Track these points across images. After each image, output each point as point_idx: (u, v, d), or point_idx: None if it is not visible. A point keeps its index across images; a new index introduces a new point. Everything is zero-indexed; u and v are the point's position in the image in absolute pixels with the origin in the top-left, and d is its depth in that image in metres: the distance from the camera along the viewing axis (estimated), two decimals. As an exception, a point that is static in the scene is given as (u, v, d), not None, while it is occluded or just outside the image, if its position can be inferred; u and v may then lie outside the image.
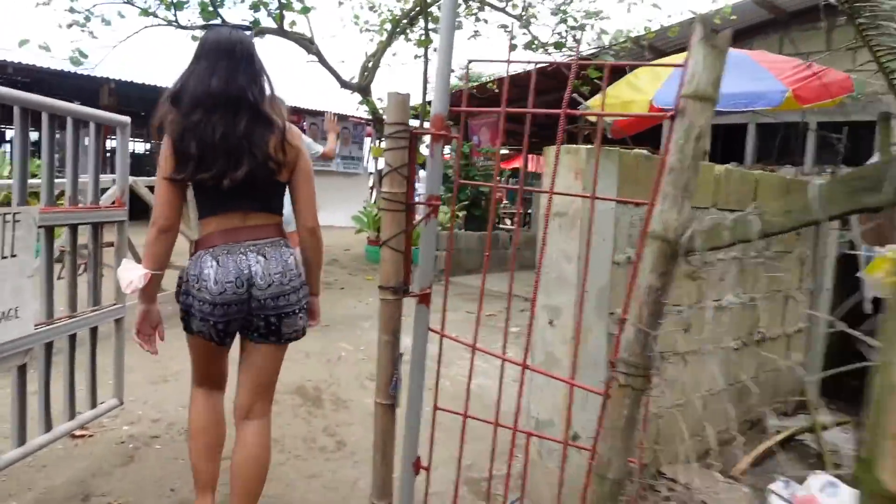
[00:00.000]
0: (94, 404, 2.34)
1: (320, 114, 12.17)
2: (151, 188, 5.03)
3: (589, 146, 2.15)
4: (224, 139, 1.63)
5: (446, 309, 1.77)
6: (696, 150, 1.20)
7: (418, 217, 1.63)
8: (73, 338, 2.20)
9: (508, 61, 1.55)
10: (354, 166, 13.25)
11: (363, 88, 7.59)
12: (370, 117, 8.28)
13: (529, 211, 11.60)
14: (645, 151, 2.41)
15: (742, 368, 3.22)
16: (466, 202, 7.96)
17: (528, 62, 6.69)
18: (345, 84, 7.47)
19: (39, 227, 1.99)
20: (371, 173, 13.93)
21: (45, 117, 2.04)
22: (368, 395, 3.26)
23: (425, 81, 7.71)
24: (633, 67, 2.66)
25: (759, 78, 3.98)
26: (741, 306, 3.11)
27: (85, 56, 6.21)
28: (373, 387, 1.34)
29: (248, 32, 1.86)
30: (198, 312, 1.69)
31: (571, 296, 2.18)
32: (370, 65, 7.59)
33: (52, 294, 2.10)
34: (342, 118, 12.59)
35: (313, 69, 8.17)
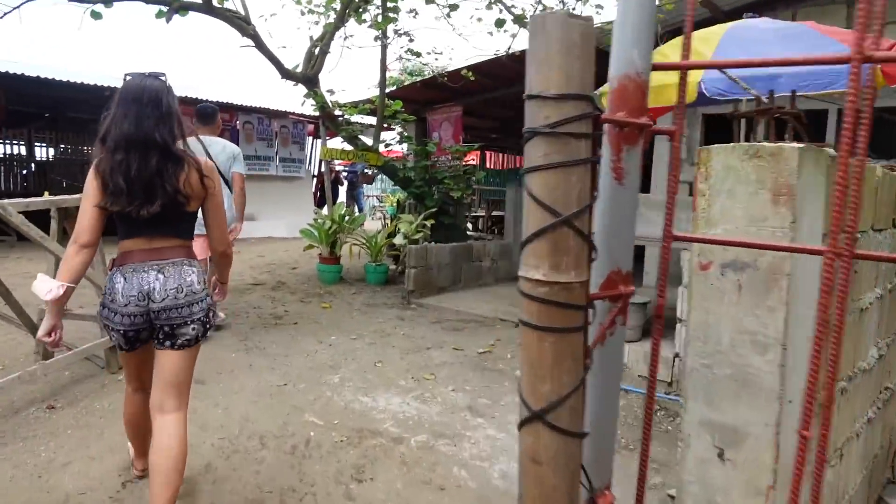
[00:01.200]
0: None
1: (256, 110, 10.82)
2: (40, 213, 3.68)
3: (801, 145, 1.19)
4: (139, 176, 1.88)
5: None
6: None
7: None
8: None
9: None
10: (296, 169, 11.90)
11: (309, 79, 6.42)
12: (317, 113, 7.12)
13: (497, 213, 10.66)
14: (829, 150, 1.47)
15: (874, 442, 2.38)
16: (434, 209, 6.93)
17: None
18: (287, 74, 6.29)
19: None
20: (315, 176, 12.65)
21: None
22: (361, 517, 2.20)
23: (384, 69, 6.62)
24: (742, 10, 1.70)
25: (832, 53, 3.14)
26: (878, 360, 2.26)
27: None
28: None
29: (161, 78, 1.91)
30: (110, 323, 1.97)
31: (767, 411, 1.22)
32: (317, 51, 6.43)
33: None
34: (280, 115, 11.27)
35: (249, 56, 6.94)
